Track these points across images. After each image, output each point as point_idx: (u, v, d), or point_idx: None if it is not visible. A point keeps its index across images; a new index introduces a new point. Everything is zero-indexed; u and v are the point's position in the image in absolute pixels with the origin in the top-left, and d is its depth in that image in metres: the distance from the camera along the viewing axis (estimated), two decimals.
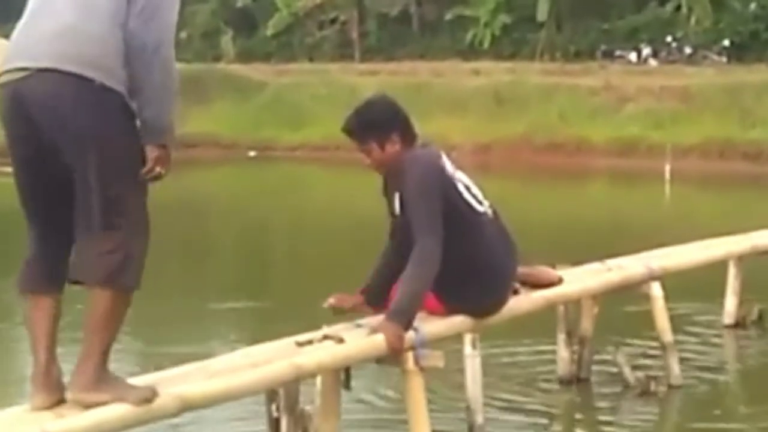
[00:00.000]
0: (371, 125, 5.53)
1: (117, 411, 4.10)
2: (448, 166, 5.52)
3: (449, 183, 5.45)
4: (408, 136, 5.51)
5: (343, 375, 5.59)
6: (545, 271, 6.50)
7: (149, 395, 4.14)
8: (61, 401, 4.15)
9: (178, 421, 5.76)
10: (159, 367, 4.94)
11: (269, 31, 57.24)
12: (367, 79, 41.67)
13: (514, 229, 5.87)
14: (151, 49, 4.19)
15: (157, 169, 4.27)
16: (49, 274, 4.29)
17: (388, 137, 5.48)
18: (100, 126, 4.09)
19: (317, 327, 5.55)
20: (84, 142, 4.07)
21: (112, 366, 7.79)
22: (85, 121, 4.07)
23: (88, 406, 4.05)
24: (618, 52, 54.47)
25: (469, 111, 39.79)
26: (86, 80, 4.06)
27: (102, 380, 4.13)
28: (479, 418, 5.97)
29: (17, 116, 4.15)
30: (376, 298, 5.68)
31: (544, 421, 6.95)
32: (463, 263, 5.46)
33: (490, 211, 5.65)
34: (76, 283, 4.24)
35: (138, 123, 4.22)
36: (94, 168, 4.07)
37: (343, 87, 42.36)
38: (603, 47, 53.84)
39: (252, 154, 38.45)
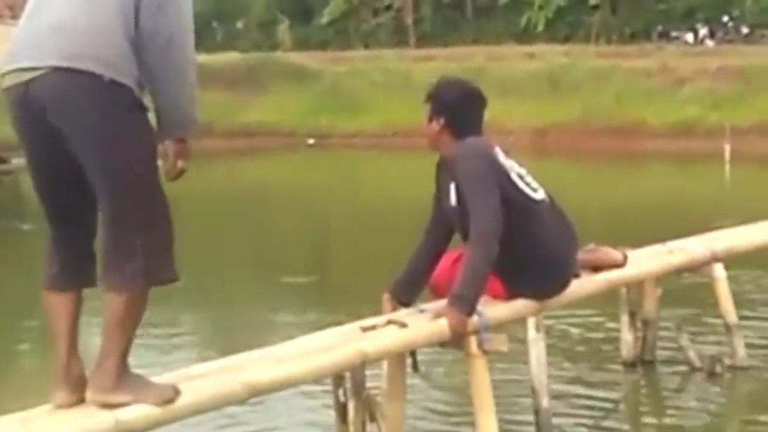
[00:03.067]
0: (434, 96, 5.63)
1: (187, 398, 4.12)
2: (501, 156, 5.52)
3: (502, 173, 5.44)
4: (455, 128, 5.53)
5: (410, 359, 5.64)
6: (608, 253, 6.49)
7: (171, 395, 4.09)
8: (82, 399, 4.10)
9: (245, 407, 5.87)
10: (226, 353, 4.97)
11: (325, 19, 57.36)
12: (423, 65, 41.63)
13: (573, 213, 5.87)
14: (163, 39, 4.07)
15: (179, 164, 4.22)
16: (67, 271, 4.24)
17: (437, 116, 5.56)
18: (112, 123, 4.00)
19: (379, 312, 5.61)
20: (96, 139, 3.99)
21: (180, 351, 7.91)
22: (96, 119, 3.98)
23: (106, 407, 3.99)
24: (674, 33, 54.06)
25: (524, 95, 39.65)
26: (95, 76, 3.95)
27: (122, 380, 4.06)
28: (544, 402, 5.96)
29: (27, 117, 4.07)
30: (406, 293, 5.73)
31: (610, 404, 6.93)
32: (523, 249, 5.47)
33: (546, 198, 5.66)
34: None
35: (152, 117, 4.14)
36: (108, 166, 4.00)
37: (398, 73, 42.41)
38: (659, 28, 53.45)
39: (310, 141, 38.56)
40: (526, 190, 5.51)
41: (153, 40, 4.06)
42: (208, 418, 5.48)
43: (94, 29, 4.01)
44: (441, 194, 5.64)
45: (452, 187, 5.45)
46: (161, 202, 4.18)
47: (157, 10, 4.06)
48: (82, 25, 4.01)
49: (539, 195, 5.58)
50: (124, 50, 4.03)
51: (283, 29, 57.38)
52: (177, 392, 4.10)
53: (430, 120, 5.58)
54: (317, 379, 5.36)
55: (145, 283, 4.09)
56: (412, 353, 5.59)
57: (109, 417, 3.90)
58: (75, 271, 4.24)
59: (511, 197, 5.36)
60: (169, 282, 4.19)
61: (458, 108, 5.57)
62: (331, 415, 5.83)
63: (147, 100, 4.16)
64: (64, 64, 3.95)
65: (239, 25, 58.64)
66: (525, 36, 51.59)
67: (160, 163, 4.22)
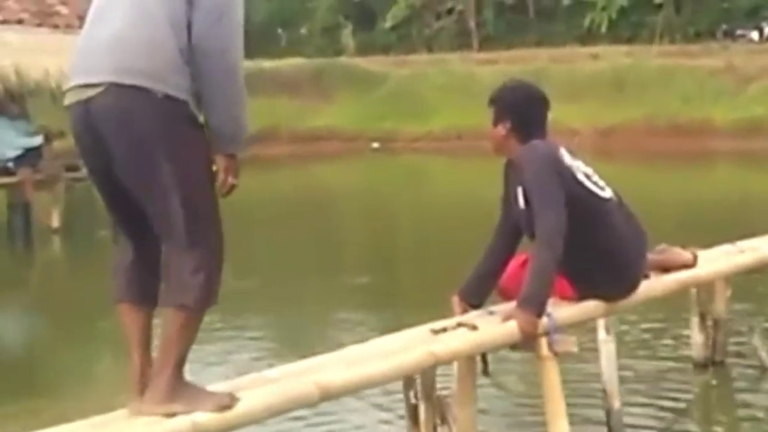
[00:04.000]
0: (498, 98, 5.64)
1: (261, 400, 4.17)
2: (567, 157, 5.51)
3: (569, 173, 5.43)
4: (521, 131, 5.53)
5: (480, 361, 5.65)
6: (678, 253, 6.47)
7: (227, 402, 4.07)
8: None
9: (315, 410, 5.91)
10: (297, 357, 5.01)
11: (388, 24, 57.36)
12: (486, 68, 41.52)
13: (641, 213, 5.86)
14: (217, 54, 4.07)
15: (230, 180, 4.20)
16: (134, 284, 4.27)
17: (502, 119, 5.56)
18: (168, 138, 4.00)
19: (448, 315, 5.62)
20: (154, 155, 3.99)
21: (251, 355, 7.96)
22: (153, 135, 3.98)
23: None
24: (739, 32, 53.44)
25: (588, 96, 39.39)
26: (148, 92, 3.97)
27: (176, 392, 4.06)
28: (616, 403, 5.95)
29: (87, 135, 4.10)
30: (475, 296, 5.73)
31: (682, 405, 6.90)
32: (593, 250, 5.48)
33: (614, 197, 5.65)
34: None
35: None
36: (167, 181, 4.00)
37: (462, 77, 42.30)
38: (723, 27, 52.87)
39: (375, 145, 38.60)
40: (594, 189, 5.50)
41: (206, 55, 4.07)
42: (281, 419, 5.52)
43: (148, 43, 4.03)
44: (509, 196, 5.65)
45: (519, 190, 5.45)
46: (218, 220, 4.20)
47: (212, 25, 4.07)
48: (136, 39, 4.04)
49: (607, 194, 5.58)
50: (177, 64, 4.05)
51: (347, 34, 57.46)
52: (233, 399, 4.10)
53: (495, 124, 5.59)
54: (388, 382, 5.37)
55: (204, 302, 4.10)
56: (483, 357, 5.61)
57: (185, 420, 3.94)
58: (143, 285, 4.27)
59: (578, 197, 5.36)
60: (213, 305, 4.18)
61: (523, 111, 5.58)
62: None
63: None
64: (119, 80, 3.98)
65: (303, 30, 58.82)
66: (588, 37, 51.25)
67: None
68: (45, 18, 16.43)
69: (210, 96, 4.12)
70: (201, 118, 4.16)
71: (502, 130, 5.55)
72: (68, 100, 4.16)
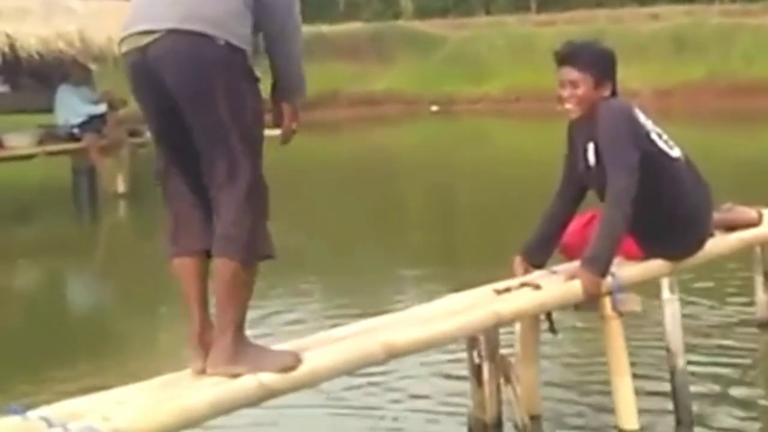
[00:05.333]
0: (600, 60, 5.58)
1: (327, 360, 4.23)
2: (641, 116, 5.53)
3: (643, 132, 5.46)
4: (600, 89, 5.51)
5: (546, 321, 5.69)
6: (743, 212, 6.46)
7: (291, 362, 4.09)
8: None
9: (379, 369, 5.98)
10: (360, 317, 5.06)
11: None
12: (545, 30, 41.19)
13: (705, 172, 5.86)
14: (286, 5, 4.16)
15: (293, 125, 4.30)
16: (191, 234, 4.27)
17: (605, 81, 5.52)
18: (228, 83, 4.04)
19: (511, 274, 5.66)
20: (210, 102, 4.02)
21: (314, 316, 8.03)
22: (213, 79, 4.01)
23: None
24: None
25: (648, 56, 38.99)
26: (210, 38, 3.99)
27: (240, 352, 4.06)
28: (680, 362, 5.94)
29: (145, 81, 4.12)
30: (537, 256, 5.76)
31: (747, 361, 6.90)
32: (662, 208, 5.49)
33: (682, 157, 5.65)
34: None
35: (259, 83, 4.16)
36: (221, 129, 4.04)
37: (520, 38, 42.03)
38: None
39: (434, 108, 38.49)
40: (665, 148, 5.51)
41: (276, 6, 4.13)
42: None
43: None
44: (575, 155, 5.65)
45: (590, 147, 5.45)
46: (262, 175, 4.20)
47: None
48: None
49: (676, 153, 5.58)
50: (240, 13, 4.09)
51: None
52: (298, 359, 4.12)
53: (574, 81, 5.49)
54: (453, 341, 5.43)
55: (253, 252, 4.10)
56: (548, 315, 5.65)
57: (252, 380, 3.99)
58: (196, 235, 4.26)
59: (652, 155, 5.38)
60: (269, 258, 4.19)
61: (602, 68, 5.55)
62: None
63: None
64: (180, 26, 4.01)
65: None
66: None
67: (273, 132, 4.29)
68: None
69: (279, 46, 4.22)
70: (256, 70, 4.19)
71: (602, 92, 5.51)
72: (125, 47, 4.19)
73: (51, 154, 16.31)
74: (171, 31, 4.01)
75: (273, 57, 4.24)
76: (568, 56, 5.56)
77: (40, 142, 16.20)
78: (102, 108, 16.35)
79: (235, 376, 4.01)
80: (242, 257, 4.07)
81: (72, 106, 16.21)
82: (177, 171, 4.32)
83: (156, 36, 4.04)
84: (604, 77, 5.52)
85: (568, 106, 5.54)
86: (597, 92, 5.49)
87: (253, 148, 4.11)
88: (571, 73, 5.51)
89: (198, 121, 4.08)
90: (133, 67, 4.17)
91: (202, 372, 4.12)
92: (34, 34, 15.30)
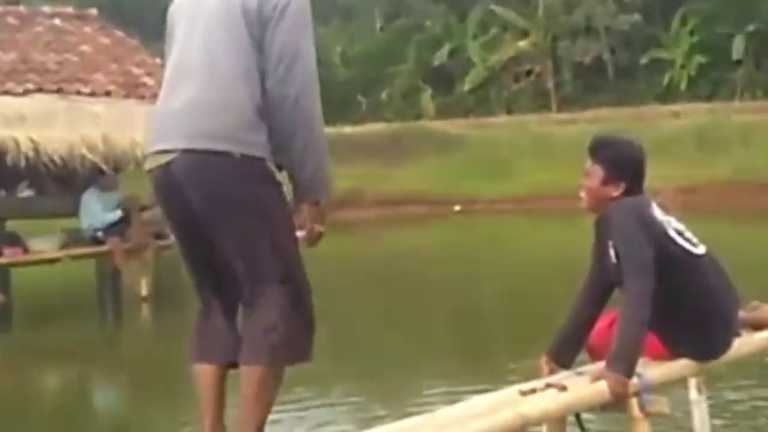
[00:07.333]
0: (617, 158, 5.54)
1: None
2: (658, 213, 5.48)
3: (660, 230, 5.40)
4: (632, 192, 5.50)
5: (575, 421, 5.64)
6: None
7: None
8: None
9: None
10: (384, 421, 5.01)
11: (466, 87, 57.52)
12: (565, 129, 41.44)
13: (729, 269, 5.81)
14: (291, 102, 4.12)
15: (316, 227, 4.25)
16: (213, 344, 4.29)
17: (617, 180, 5.48)
18: (249, 195, 4.04)
19: (536, 376, 5.61)
20: (232, 216, 4.03)
21: (336, 420, 7.95)
22: (234, 195, 4.03)
23: None
24: None
25: (670, 154, 39.06)
26: (225, 155, 4.01)
27: None
28: None
29: (170, 198, 4.17)
30: (563, 356, 5.71)
31: None
32: (685, 306, 5.43)
33: (707, 254, 5.62)
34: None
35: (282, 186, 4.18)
36: (255, 233, 4.04)
37: (541, 138, 42.28)
38: None
39: (457, 208, 38.61)
40: (686, 245, 5.46)
41: (281, 102, 4.12)
42: None
43: (220, 105, 4.09)
44: (601, 252, 5.63)
45: (610, 244, 5.44)
46: (304, 279, 4.22)
47: (285, 72, 4.11)
48: (208, 102, 4.11)
49: (700, 250, 5.54)
50: (253, 122, 4.11)
51: (426, 98, 57.76)
52: None
53: (605, 182, 5.48)
54: None
55: (278, 360, 4.10)
56: (578, 417, 5.60)
57: None
58: (221, 345, 4.29)
59: (670, 253, 5.32)
60: (302, 362, 4.21)
61: (635, 172, 5.54)
62: None
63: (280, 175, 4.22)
64: (192, 145, 4.05)
65: (383, 95, 59.12)
66: (668, 95, 51.04)
67: (299, 234, 4.29)
68: (132, 89, 16.68)
69: (289, 145, 4.17)
70: (278, 175, 4.20)
71: (614, 191, 5.48)
72: (148, 165, 4.27)
73: (75, 257, 16.32)
74: (186, 151, 4.06)
75: (284, 156, 4.22)
76: (591, 147, 5.58)
77: (65, 246, 16.26)
78: (119, 214, 16.36)
79: None
80: (269, 361, 4.07)
81: (95, 214, 16.27)
82: (203, 281, 4.35)
83: (173, 156, 4.09)
84: (618, 176, 5.47)
85: (581, 194, 5.58)
86: (605, 188, 5.48)
87: (284, 253, 4.11)
88: (588, 164, 5.54)
89: (226, 236, 4.10)
90: (156, 186, 4.23)
91: None
92: (58, 139, 15.42)
